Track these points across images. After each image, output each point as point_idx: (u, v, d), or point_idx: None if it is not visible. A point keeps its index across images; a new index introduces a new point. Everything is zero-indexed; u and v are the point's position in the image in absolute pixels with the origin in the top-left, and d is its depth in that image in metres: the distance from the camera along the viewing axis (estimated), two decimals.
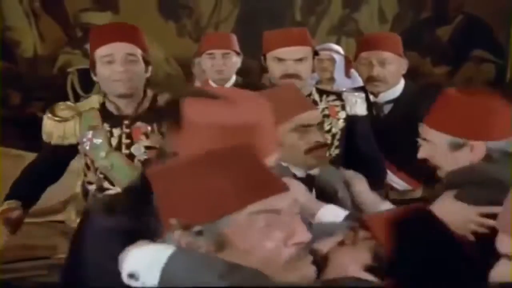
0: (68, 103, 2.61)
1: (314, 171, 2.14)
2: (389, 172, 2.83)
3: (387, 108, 2.93)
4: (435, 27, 6.20)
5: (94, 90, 4.72)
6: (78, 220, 2.69)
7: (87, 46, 4.82)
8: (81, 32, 5.79)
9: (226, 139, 1.31)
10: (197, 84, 3.90)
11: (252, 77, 4.49)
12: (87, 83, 4.73)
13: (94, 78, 2.49)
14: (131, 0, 5.76)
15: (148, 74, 2.48)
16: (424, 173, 2.39)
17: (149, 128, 2.45)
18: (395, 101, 2.93)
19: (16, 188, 2.52)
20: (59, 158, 2.55)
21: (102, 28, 2.55)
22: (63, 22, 5.83)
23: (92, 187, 2.51)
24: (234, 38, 3.74)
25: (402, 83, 2.95)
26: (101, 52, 2.40)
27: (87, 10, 5.83)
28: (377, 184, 2.41)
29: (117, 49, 2.37)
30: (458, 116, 1.83)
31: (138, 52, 2.42)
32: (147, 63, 2.46)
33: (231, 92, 1.53)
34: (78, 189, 2.76)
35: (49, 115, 2.49)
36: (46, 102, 5.74)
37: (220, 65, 3.64)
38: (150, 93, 2.50)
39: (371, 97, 2.92)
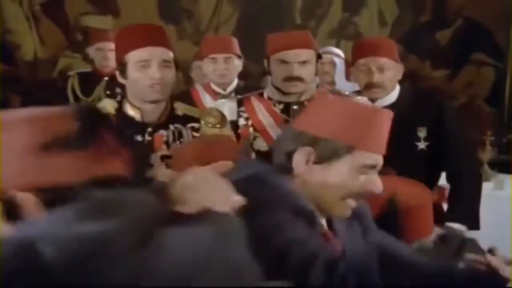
0: None
1: None
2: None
3: None
4: (434, 30, 6.20)
5: (94, 93, 4.74)
6: None
7: (88, 49, 4.90)
8: (82, 35, 5.79)
9: None
10: (198, 87, 3.86)
11: (252, 80, 4.49)
12: (88, 87, 4.73)
13: (122, 81, 2.40)
14: (132, 3, 5.77)
15: (174, 79, 2.43)
16: (423, 178, 2.39)
17: (171, 136, 2.40)
18: (392, 106, 2.92)
19: None
20: None
21: (134, 30, 2.41)
22: (63, 25, 5.83)
23: None
24: (235, 42, 3.73)
25: (397, 88, 2.96)
26: (136, 56, 2.31)
27: (88, 13, 5.83)
28: None
29: (155, 54, 2.30)
30: None
31: (171, 57, 2.35)
32: (176, 68, 2.40)
33: None
34: None
35: None
36: (46, 105, 5.75)
37: (222, 69, 3.61)
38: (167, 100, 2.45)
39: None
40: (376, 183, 1.60)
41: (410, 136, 2.87)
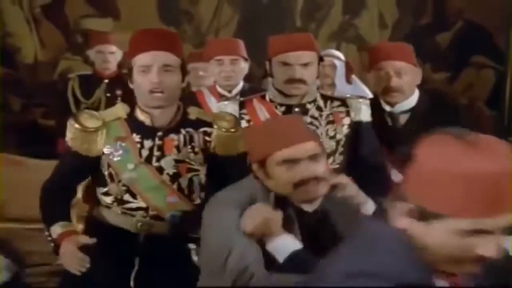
0: (92, 111, 2.49)
1: (312, 207, 2.01)
2: None
3: (403, 118, 2.92)
4: (435, 33, 6.20)
5: (94, 96, 4.74)
6: (79, 226, 2.64)
7: (88, 52, 4.91)
8: (82, 38, 5.79)
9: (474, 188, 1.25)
10: (204, 89, 3.84)
11: (252, 82, 4.49)
12: (88, 89, 4.74)
13: (131, 86, 2.40)
14: (132, 6, 5.77)
15: (184, 84, 2.42)
16: None
17: (182, 141, 2.40)
18: (411, 111, 2.91)
19: (59, 210, 2.41)
20: (85, 168, 2.43)
21: (142, 35, 2.41)
22: (63, 28, 5.83)
23: (107, 199, 2.42)
24: (242, 44, 3.73)
25: (417, 93, 2.94)
26: (140, 60, 2.32)
27: (88, 16, 5.84)
28: (381, 191, 2.35)
29: (156, 59, 2.29)
30: None
31: (176, 62, 2.34)
32: (184, 73, 2.39)
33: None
34: (79, 194, 2.74)
35: (75, 124, 2.36)
36: (47, 108, 5.78)
37: (229, 71, 3.61)
38: (180, 104, 2.45)
39: (387, 107, 2.91)
40: (487, 249, 1.30)
41: None
